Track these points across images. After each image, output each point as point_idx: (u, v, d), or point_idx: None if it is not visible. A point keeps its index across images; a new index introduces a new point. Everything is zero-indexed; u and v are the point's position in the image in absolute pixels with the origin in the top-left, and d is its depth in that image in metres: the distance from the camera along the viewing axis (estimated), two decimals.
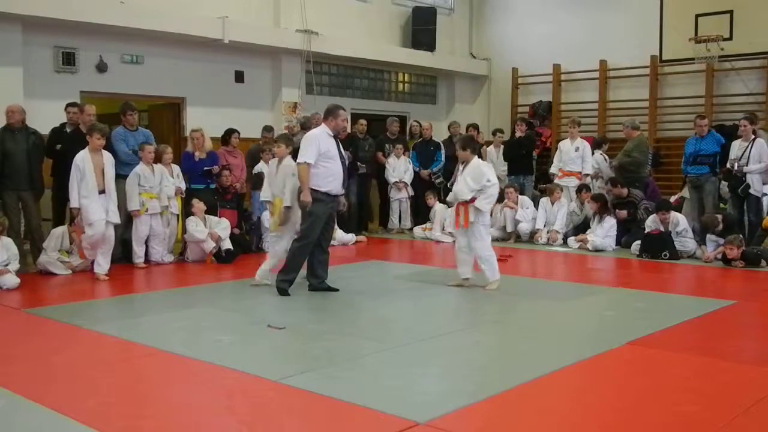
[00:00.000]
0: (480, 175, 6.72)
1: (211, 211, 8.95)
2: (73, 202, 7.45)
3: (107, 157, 7.64)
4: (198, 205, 8.76)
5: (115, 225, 8.45)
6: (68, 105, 8.67)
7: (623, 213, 9.88)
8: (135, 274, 8.03)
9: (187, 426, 3.55)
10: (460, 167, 7.04)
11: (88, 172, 7.42)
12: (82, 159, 7.44)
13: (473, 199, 6.73)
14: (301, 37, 11.85)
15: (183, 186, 8.84)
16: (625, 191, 10.05)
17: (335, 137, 6.71)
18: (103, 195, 7.50)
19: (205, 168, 9.13)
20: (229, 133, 10.07)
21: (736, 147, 9.84)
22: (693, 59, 11.92)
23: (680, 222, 9.05)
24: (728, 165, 9.70)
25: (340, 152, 6.69)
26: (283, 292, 6.62)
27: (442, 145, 12.06)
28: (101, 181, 7.49)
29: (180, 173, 8.88)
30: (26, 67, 9.24)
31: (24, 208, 8.14)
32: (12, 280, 6.93)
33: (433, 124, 12.62)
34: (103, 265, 7.56)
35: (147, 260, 8.43)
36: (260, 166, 9.83)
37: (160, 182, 8.47)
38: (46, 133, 8.55)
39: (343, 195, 7.02)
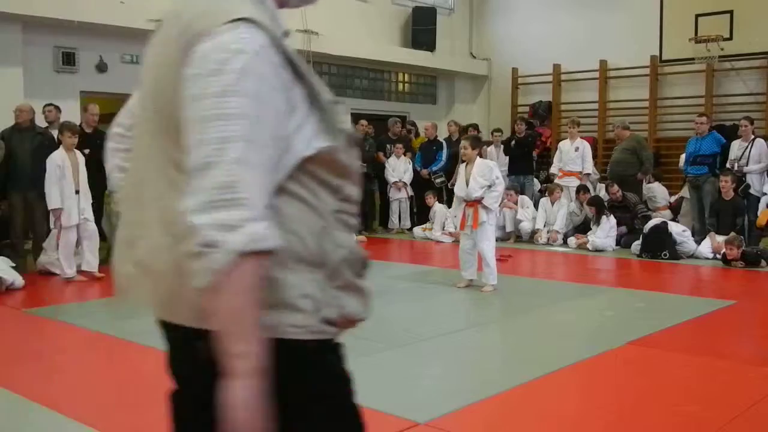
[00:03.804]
0: (489, 172, 6.78)
1: None
2: (56, 203, 7.26)
3: (80, 156, 7.61)
4: None
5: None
6: (44, 105, 8.58)
7: (623, 229, 9.89)
8: None
9: None
10: (463, 166, 7.03)
11: (67, 172, 7.36)
12: (62, 158, 7.36)
13: (481, 199, 6.73)
14: (301, 37, 11.85)
15: None
16: (619, 193, 10.05)
17: None
18: (77, 195, 7.43)
19: None
20: None
21: (736, 147, 9.86)
22: (693, 59, 11.92)
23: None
24: (728, 165, 9.72)
25: None
26: None
27: (445, 144, 12.08)
28: (77, 181, 7.44)
29: None
30: (26, 67, 9.23)
31: (28, 207, 8.12)
32: (18, 282, 6.97)
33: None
34: (92, 262, 7.53)
35: None
36: None
37: None
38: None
39: None
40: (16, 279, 6.92)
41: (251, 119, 1.22)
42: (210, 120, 1.21)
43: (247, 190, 1.19)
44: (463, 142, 7.16)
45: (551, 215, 10.50)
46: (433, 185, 11.71)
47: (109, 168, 1.69)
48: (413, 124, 13.05)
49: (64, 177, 7.32)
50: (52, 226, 7.50)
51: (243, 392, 1.20)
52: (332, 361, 1.42)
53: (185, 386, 1.46)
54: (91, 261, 7.53)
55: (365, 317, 1.42)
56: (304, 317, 1.31)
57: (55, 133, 8.44)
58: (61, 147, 7.44)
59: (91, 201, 7.64)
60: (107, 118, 10.52)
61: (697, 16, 11.97)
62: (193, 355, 1.31)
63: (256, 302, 1.21)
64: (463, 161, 7.12)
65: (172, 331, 1.40)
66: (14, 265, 7.14)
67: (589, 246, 9.70)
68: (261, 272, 1.21)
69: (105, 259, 8.41)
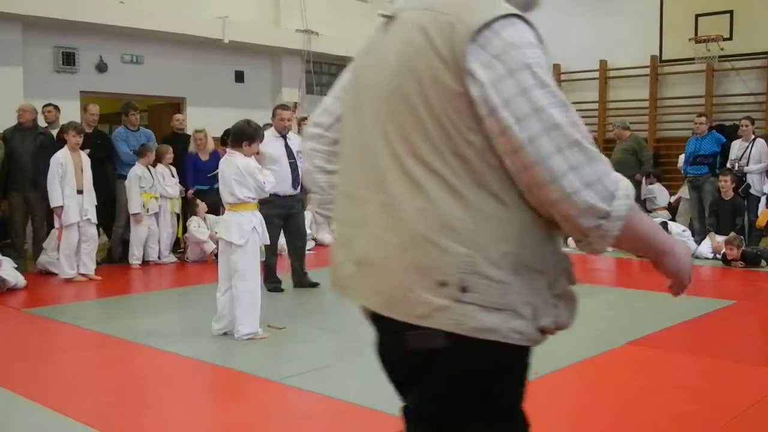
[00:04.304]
0: None
1: (215, 211, 8.92)
2: (57, 201, 7.29)
3: (84, 157, 7.60)
4: (201, 205, 8.78)
5: (115, 226, 8.47)
6: (44, 105, 8.61)
7: None
8: (135, 274, 8.03)
9: (186, 426, 3.55)
10: None
11: (69, 170, 7.36)
12: (64, 157, 7.36)
13: None
14: (301, 37, 11.85)
15: (179, 187, 8.84)
16: None
17: (284, 137, 6.81)
18: (80, 195, 7.43)
19: (209, 175, 9.01)
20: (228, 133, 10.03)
21: (737, 147, 9.86)
22: (693, 59, 11.91)
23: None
24: (729, 165, 9.72)
25: (289, 152, 6.73)
26: (277, 290, 6.71)
27: None
28: (80, 181, 7.44)
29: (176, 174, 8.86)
30: (26, 67, 9.24)
31: (29, 208, 8.13)
32: (20, 282, 6.98)
33: None
34: (89, 265, 7.53)
35: (144, 261, 8.43)
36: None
37: (158, 182, 8.45)
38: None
39: (296, 194, 6.88)
40: (19, 280, 6.93)
41: (566, 105, 1.31)
42: (539, 111, 1.28)
43: (600, 159, 1.30)
44: None
45: None
46: None
47: (308, 168, 1.70)
48: None
49: (65, 176, 7.32)
50: (55, 225, 7.51)
51: (675, 260, 1.45)
52: (528, 368, 1.47)
53: (395, 373, 1.55)
54: (87, 264, 7.53)
55: (571, 325, 1.46)
56: (525, 324, 1.35)
57: (55, 133, 8.45)
58: (65, 146, 7.45)
59: (95, 203, 7.63)
60: (107, 118, 10.50)
61: (697, 16, 11.97)
62: (402, 346, 1.38)
63: (646, 226, 1.40)
64: None
65: (386, 324, 1.43)
66: (15, 265, 7.14)
67: None
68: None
69: (102, 261, 8.44)
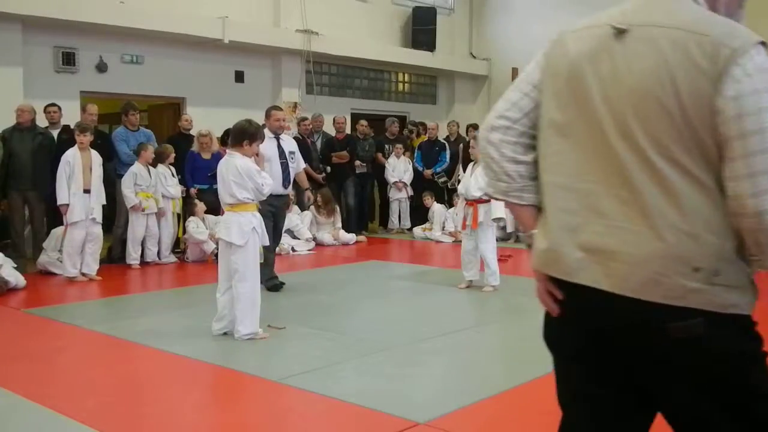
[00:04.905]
0: None
1: (214, 211, 8.92)
2: (62, 199, 7.31)
3: (95, 157, 7.60)
4: (200, 205, 8.77)
5: (115, 226, 8.45)
6: (47, 105, 8.61)
7: None
8: (134, 274, 8.03)
9: (186, 426, 3.55)
10: (470, 166, 7.06)
11: (77, 170, 7.37)
12: (73, 156, 7.37)
13: (482, 200, 6.71)
14: (301, 37, 11.86)
15: (180, 187, 8.84)
16: None
17: (278, 137, 6.86)
18: (87, 194, 7.42)
19: (209, 175, 9.00)
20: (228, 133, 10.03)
21: None
22: None
23: None
24: None
25: (281, 152, 6.79)
26: (275, 288, 6.70)
27: (447, 145, 12.07)
28: (87, 180, 7.44)
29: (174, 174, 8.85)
30: (26, 67, 9.24)
31: (29, 208, 8.13)
32: (20, 282, 6.98)
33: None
34: (92, 265, 7.51)
35: (145, 261, 8.42)
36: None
37: (156, 182, 8.44)
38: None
39: (286, 194, 7.07)
40: (19, 280, 6.93)
41: None
42: (764, 132, 1.46)
43: None
44: (473, 141, 7.19)
45: None
46: (431, 185, 11.70)
47: (495, 158, 1.80)
48: (415, 124, 13.03)
49: (72, 174, 7.33)
50: (64, 222, 7.51)
51: None
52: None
53: (603, 354, 1.71)
54: (90, 264, 7.51)
55: None
56: (752, 298, 1.57)
57: (55, 133, 8.45)
58: (75, 146, 7.47)
59: (103, 202, 7.63)
60: (107, 118, 10.50)
61: None
62: (666, 333, 1.53)
63: None
64: (471, 161, 7.15)
65: (607, 308, 1.59)
66: (15, 265, 7.14)
67: None
68: None
69: (101, 261, 8.43)
